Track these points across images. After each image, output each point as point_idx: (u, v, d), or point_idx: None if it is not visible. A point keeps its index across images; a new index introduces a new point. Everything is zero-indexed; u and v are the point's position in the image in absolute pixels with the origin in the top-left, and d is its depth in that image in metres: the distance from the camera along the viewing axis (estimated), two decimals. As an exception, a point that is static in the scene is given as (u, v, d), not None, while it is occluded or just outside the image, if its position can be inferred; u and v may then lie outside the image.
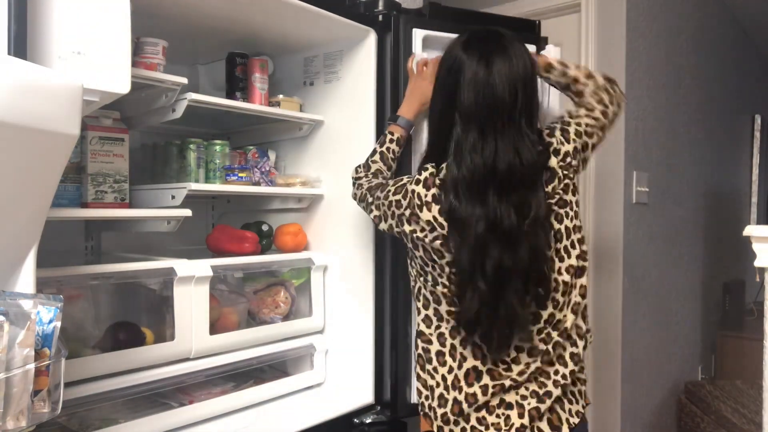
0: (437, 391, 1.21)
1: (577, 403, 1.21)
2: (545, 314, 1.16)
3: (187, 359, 1.37)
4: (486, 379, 1.17)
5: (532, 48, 1.42)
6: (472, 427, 1.17)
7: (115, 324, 1.33)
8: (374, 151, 1.43)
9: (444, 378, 1.20)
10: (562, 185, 1.15)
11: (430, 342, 1.23)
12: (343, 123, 1.66)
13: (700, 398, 2.94)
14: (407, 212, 1.18)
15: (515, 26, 1.62)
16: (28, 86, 0.74)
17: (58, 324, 0.78)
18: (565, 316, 1.17)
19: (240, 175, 1.52)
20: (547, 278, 1.14)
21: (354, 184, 1.42)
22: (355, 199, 1.41)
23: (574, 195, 1.18)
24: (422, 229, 1.16)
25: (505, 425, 1.15)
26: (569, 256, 1.16)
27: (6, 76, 0.71)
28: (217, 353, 1.44)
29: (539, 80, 1.24)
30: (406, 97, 1.47)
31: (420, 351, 1.25)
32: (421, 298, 1.25)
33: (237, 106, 1.55)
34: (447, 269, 1.17)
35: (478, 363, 1.18)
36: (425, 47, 1.55)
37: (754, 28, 4.13)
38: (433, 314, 1.23)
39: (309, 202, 1.74)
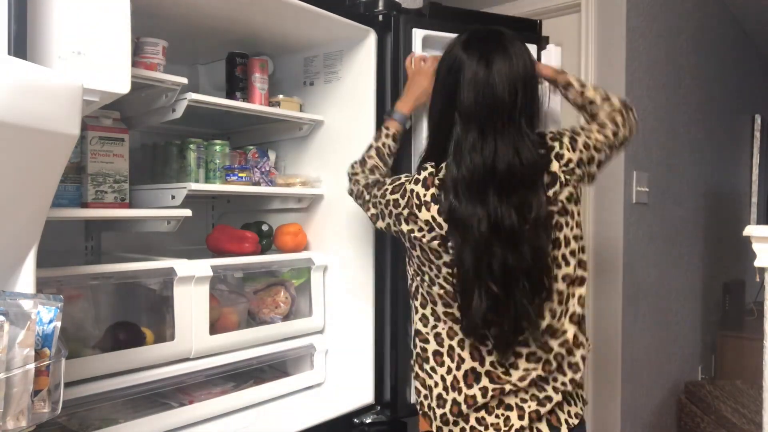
0: (435, 391, 1.20)
1: (576, 405, 1.21)
2: (543, 324, 1.14)
3: (187, 359, 1.37)
4: (485, 381, 1.17)
5: (533, 50, 1.42)
6: (472, 428, 1.17)
7: (115, 324, 1.33)
8: (370, 147, 1.43)
9: (443, 378, 1.20)
10: (564, 192, 1.14)
11: (427, 341, 1.23)
12: (343, 123, 1.66)
13: (700, 398, 2.94)
14: (405, 211, 1.18)
15: (516, 26, 1.62)
16: (28, 86, 0.74)
17: (58, 324, 0.78)
18: (563, 324, 1.15)
19: (240, 175, 1.52)
20: (550, 277, 1.13)
21: (350, 179, 1.41)
22: (351, 195, 1.41)
23: (576, 205, 1.17)
24: (420, 229, 1.16)
25: (505, 425, 1.15)
26: (567, 264, 1.15)
27: (6, 76, 0.71)
28: (217, 353, 1.44)
29: (539, 81, 1.24)
30: (403, 92, 1.47)
31: (418, 350, 1.25)
32: (418, 297, 1.25)
33: (237, 106, 1.55)
34: (444, 270, 1.16)
35: (476, 364, 1.18)
36: (425, 47, 1.55)
37: (754, 28, 4.13)
38: (430, 314, 1.23)
39: (309, 202, 1.74)
